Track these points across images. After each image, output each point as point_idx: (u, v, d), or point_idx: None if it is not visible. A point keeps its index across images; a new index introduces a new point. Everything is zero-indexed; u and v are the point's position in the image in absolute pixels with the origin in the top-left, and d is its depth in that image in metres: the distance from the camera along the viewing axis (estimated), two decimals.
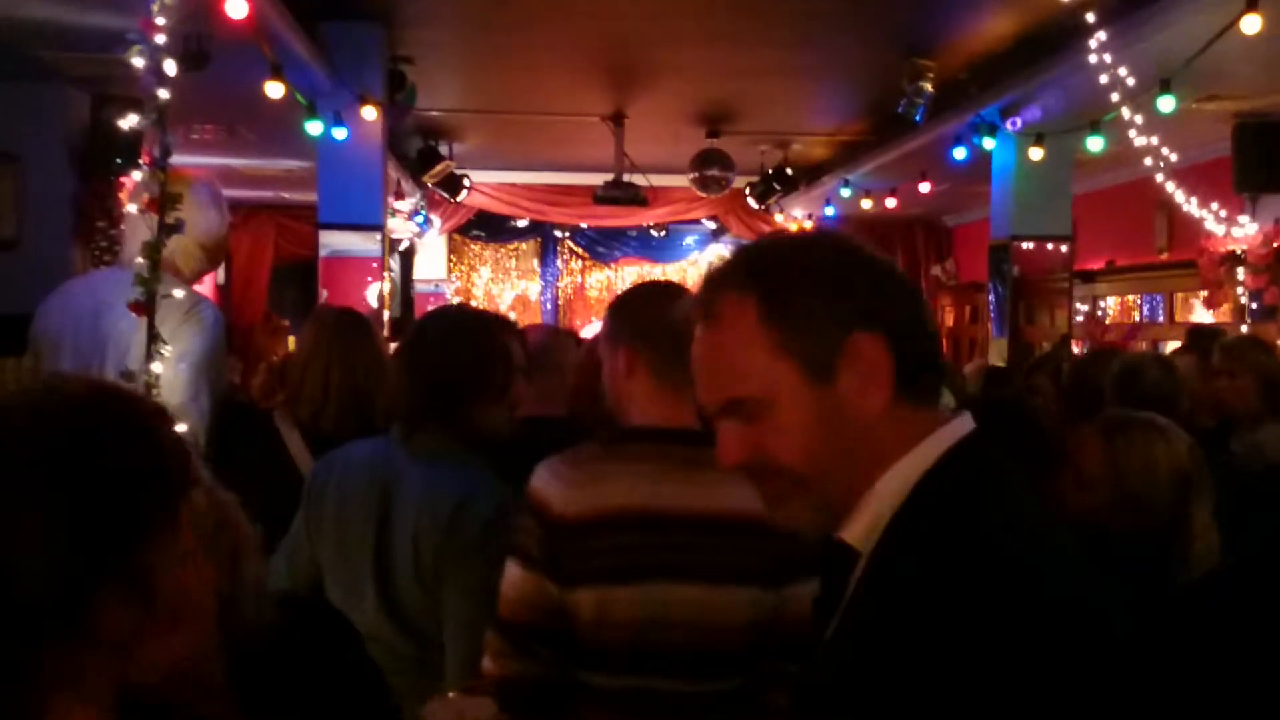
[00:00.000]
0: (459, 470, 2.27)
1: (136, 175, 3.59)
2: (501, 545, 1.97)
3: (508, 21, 6.60)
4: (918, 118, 7.25)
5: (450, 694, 1.76)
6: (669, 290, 2.15)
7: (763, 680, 1.87)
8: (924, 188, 9.61)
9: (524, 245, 14.31)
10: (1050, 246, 8.01)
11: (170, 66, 3.69)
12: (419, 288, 12.68)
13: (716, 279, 1.23)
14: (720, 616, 1.84)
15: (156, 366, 3.44)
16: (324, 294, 7.03)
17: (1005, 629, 1.01)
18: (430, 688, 1.94)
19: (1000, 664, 1.00)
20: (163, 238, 3.53)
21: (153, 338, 3.40)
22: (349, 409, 3.01)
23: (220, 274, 12.43)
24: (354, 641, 1.65)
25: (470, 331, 2.42)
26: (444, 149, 9.90)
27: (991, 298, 8.38)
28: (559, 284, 14.45)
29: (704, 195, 10.29)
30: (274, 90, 5.63)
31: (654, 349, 1.94)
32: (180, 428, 3.00)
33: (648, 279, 13.85)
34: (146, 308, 3.44)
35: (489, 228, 13.48)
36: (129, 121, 3.89)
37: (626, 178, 9.85)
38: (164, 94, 3.47)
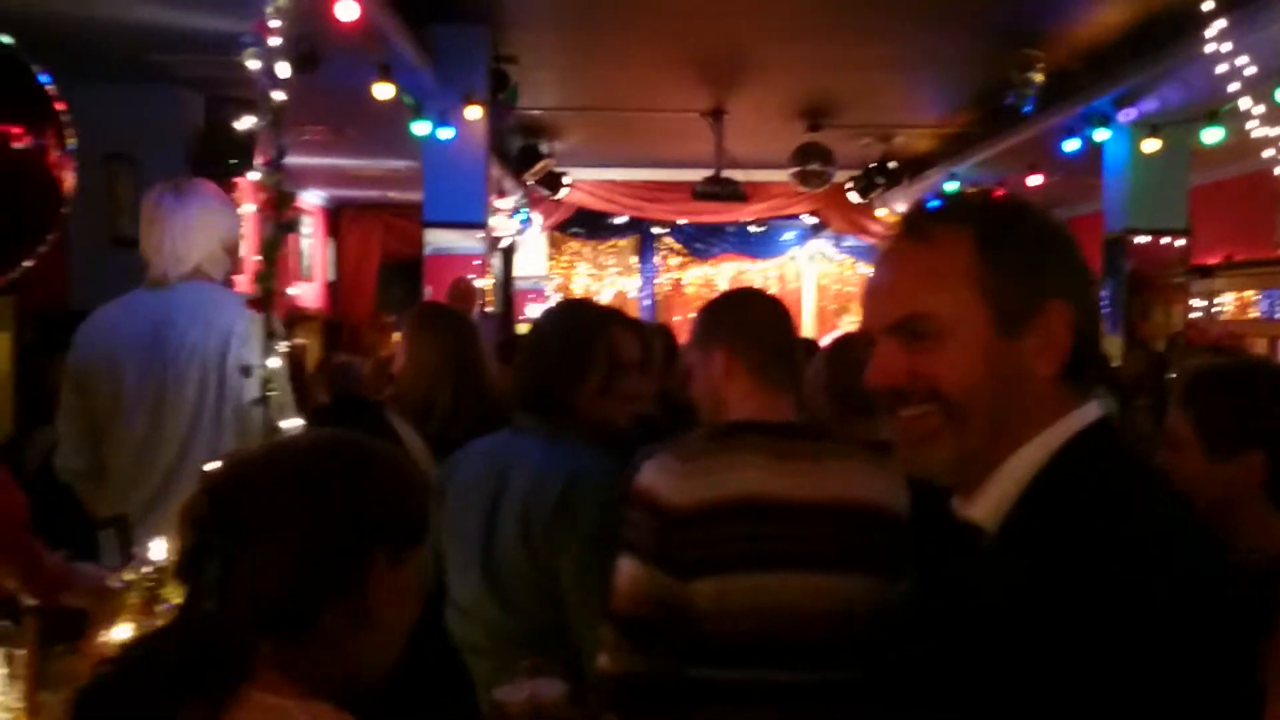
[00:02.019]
0: (569, 450, 2.31)
1: (253, 175, 3.70)
2: (610, 531, 2.00)
3: (608, 20, 6.62)
4: (1027, 109, 7.09)
5: (522, 674, 1.77)
6: (760, 295, 2.22)
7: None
8: (1034, 180, 9.37)
9: (622, 242, 14.35)
10: (1165, 241, 7.77)
11: (283, 68, 3.78)
12: (519, 285, 12.83)
13: (936, 210, 1.27)
14: (839, 605, 1.84)
15: (273, 362, 3.53)
16: (429, 291, 7.15)
17: (1142, 610, 1.02)
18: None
19: (1141, 646, 1.01)
20: (279, 237, 3.63)
21: (270, 334, 3.49)
22: (457, 403, 3.07)
23: (330, 271, 12.75)
24: (432, 624, 1.70)
25: (573, 323, 2.47)
26: (544, 147, 9.98)
27: (1104, 293, 8.16)
28: (656, 280, 14.46)
29: (804, 190, 10.20)
30: (382, 91, 5.74)
31: (751, 350, 2.01)
32: (298, 423, 3.09)
33: (742, 279, 13.91)
34: (264, 304, 3.54)
35: (588, 225, 13.55)
36: (244, 123, 3.98)
37: (725, 173, 9.82)
38: (278, 96, 3.55)
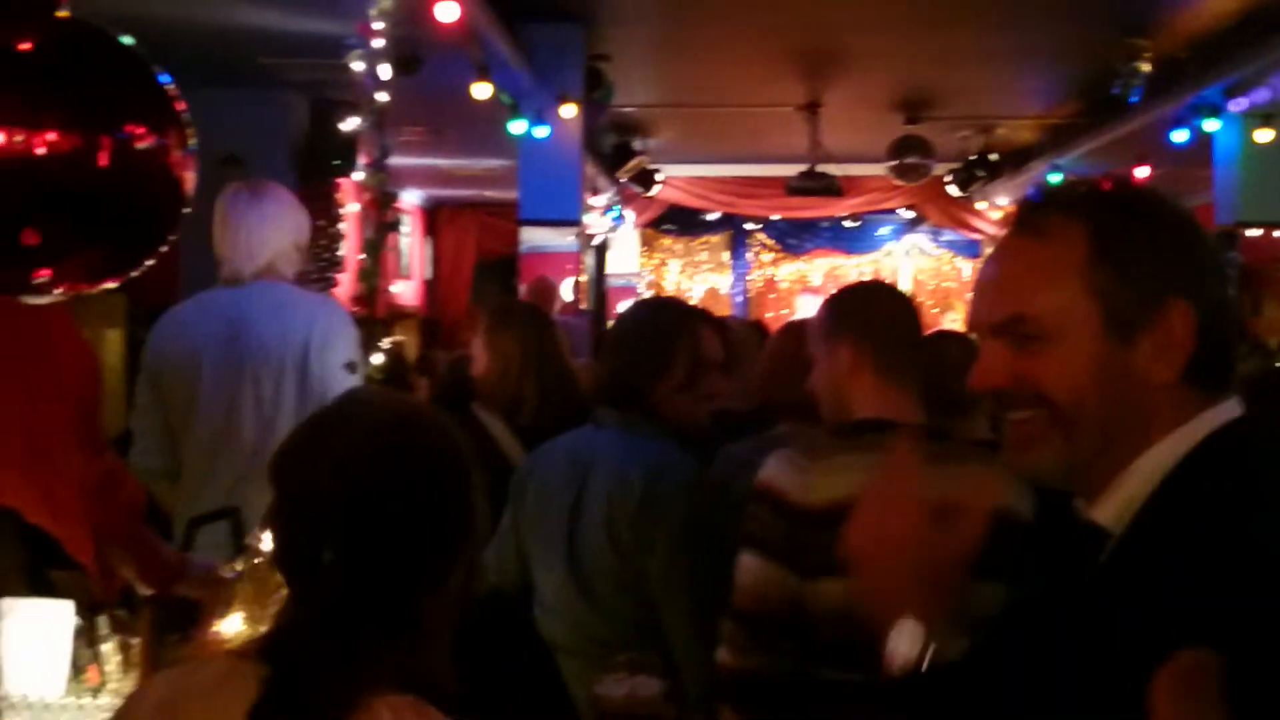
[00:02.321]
0: (652, 447, 2.31)
1: (356, 176, 3.79)
2: (695, 528, 2.01)
3: (702, 15, 6.61)
4: (1133, 99, 6.89)
5: (621, 669, 1.77)
6: (888, 289, 2.19)
7: None
8: (1141, 172, 9.08)
9: (714, 238, 14.30)
10: (1278, 234, 7.49)
11: (386, 70, 3.87)
12: (612, 282, 12.87)
13: (1050, 198, 1.19)
14: (965, 610, 1.81)
15: (377, 358, 3.62)
16: (523, 289, 7.22)
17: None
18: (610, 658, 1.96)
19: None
20: (382, 236, 3.73)
21: (373, 333, 3.58)
22: (543, 396, 3.12)
23: (427, 269, 12.96)
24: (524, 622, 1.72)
25: (655, 320, 2.49)
26: (637, 144, 10.01)
27: None
28: (749, 277, 14.38)
29: (901, 184, 10.06)
30: (481, 91, 5.81)
31: (878, 346, 1.97)
32: None
33: (836, 275, 13.76)
34: (368, 302, 3.63)
35: (680, 221, 13.54)
36: (349, 124, 4.06)
37: (820, 168, 9.72)
38: (381, 97, 3.64)
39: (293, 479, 1.27)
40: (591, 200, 9.83)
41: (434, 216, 13.08)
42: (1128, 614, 1.02)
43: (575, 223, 7.14)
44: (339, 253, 7.52)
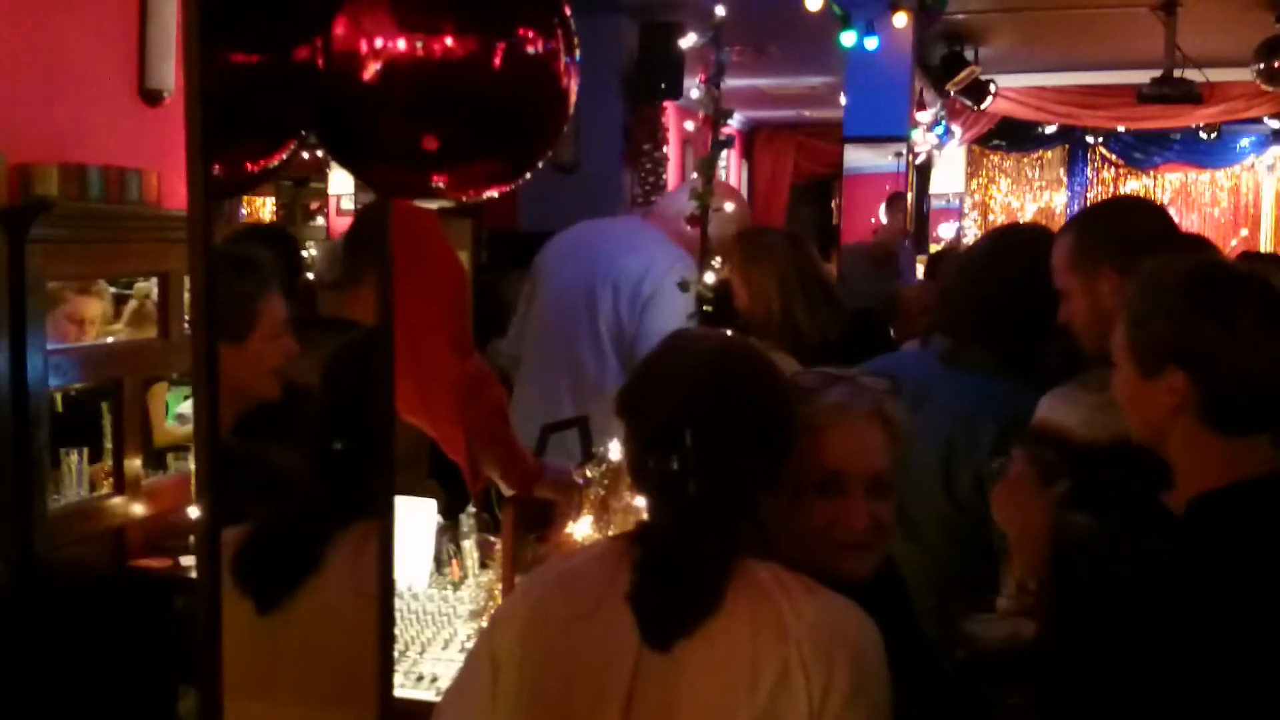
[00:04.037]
0: (1006, 389, 2.15)
1: (693, 93, 3.80)
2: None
3: None
4: None
5: (1000, 609, 1.70)
6: (1144, 203, 2.14)
7: None
8: None
9: (1049, 153, 13.47)
10: None
11: None
12: (934, 203, 12.41)
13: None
14: None
15: (709, 277, 3.63)
16: (840, 210, 7.09)
17: None
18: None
19: None
20: (716, 154, 3.71)
21: (706, 251, 3.59)
22: (813, 317, 3.07)
23: (744, 193, 13.00)
24: None
25: (1021, 254, 2.26)
26: (969, 54, 9.53)
27: None
28: (1087, 195, 13.46)
29: (1269, 89, 9.04)
30: (813, 2, 5.69)
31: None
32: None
33: (1189, 191, 12.64)
34: (702, 221, 3.63)
35: (1010, 136, 12.83)
36: (686, 41, 4.07)
37: (1177, 73, 8.88)
38: (720, 10, 3.59)
39: (642, 408, 1.47)
40: (918, 115, 9.49)
41: (750, 139, 13.05)
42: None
43: (903, 138, 6.91)
44: (663, 176, 7.63)
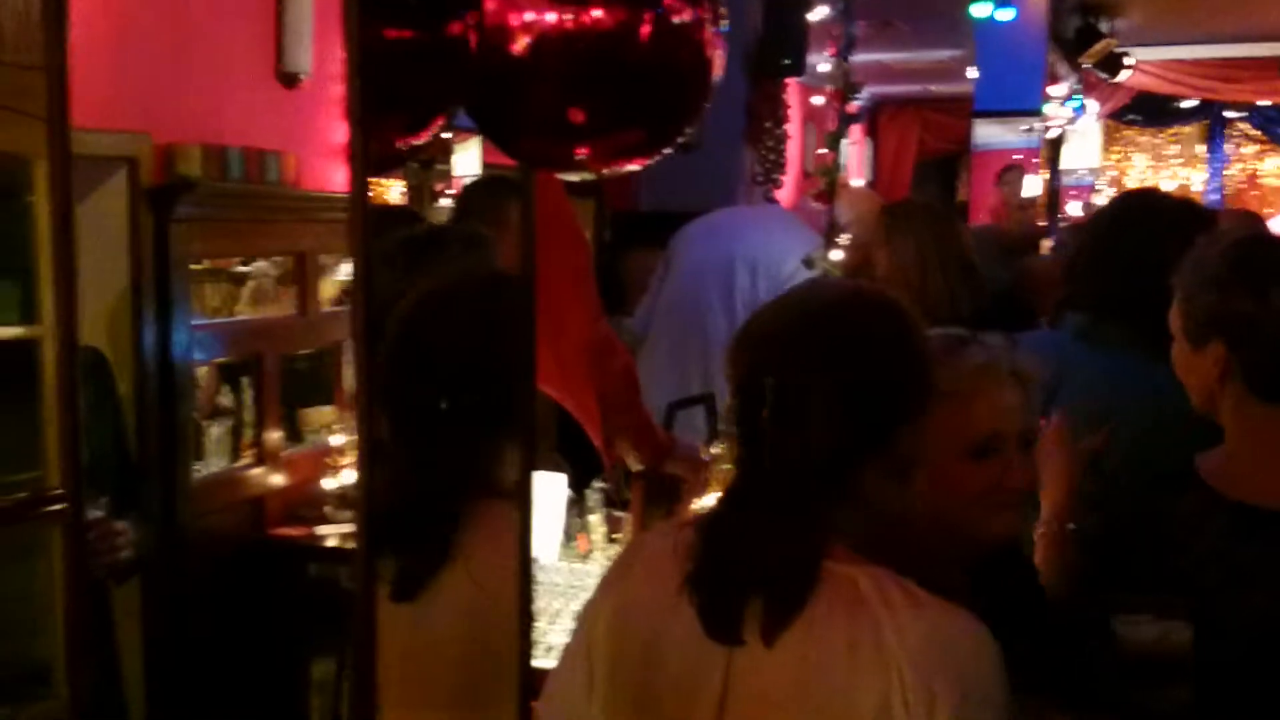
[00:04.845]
0: (1148, 369, 2.05)
1: (822, 67, 3.75)
2: None
3: None
4: None
5: (1145, 609, 1.64)
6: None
7: None
8: None
9: (1187, 128, 12.89)
10: None
11: None
12: (1065, 180, 12.02)
13: None
14: None
15: (835, 254, 3.59)
16: (967, 187, 6.92)
17: None
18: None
19: None
20: (844, 129, 3.68)
21: (833, 228, 3.56)
22: (955, 292, 3.04)
23: (867, 169, 12.78)
24: None
25: (1162, 222, 2.20)
26: (1105, 25, 9.19)
27: None
28: (1226, 171, 12.87)
29: None
30: None
31: None
32: None
33: None
34: (830, 197, 3.60)
35: (1147, 111, 12.32)
36: (816, 14, 4.03)
37: None
38: None
39: (734, 352, 1.33)
40: (1050, 90, 9.21)
41: (875, 115, 12.83)
42: None
43: (1036, 112, 6.71)
44: (784, 155, 7.54)
